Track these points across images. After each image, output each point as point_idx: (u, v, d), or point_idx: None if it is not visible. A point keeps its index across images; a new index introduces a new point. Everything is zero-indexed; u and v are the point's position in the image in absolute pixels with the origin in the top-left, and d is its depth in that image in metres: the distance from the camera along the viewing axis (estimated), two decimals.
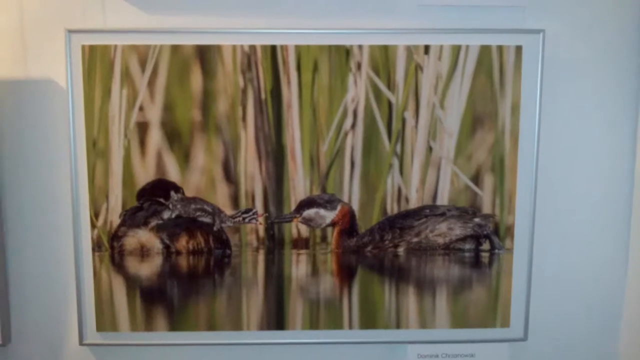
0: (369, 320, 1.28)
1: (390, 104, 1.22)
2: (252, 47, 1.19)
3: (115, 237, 1.24)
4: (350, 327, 1.28)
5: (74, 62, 1.18)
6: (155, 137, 1.21)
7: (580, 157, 1.28)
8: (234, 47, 1.19)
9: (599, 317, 1.35)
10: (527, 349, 1.33)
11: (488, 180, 1.24)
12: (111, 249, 1.25)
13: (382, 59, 1.21)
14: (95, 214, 1.23)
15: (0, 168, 1.24)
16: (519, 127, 1.22)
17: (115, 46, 1.18)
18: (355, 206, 1.25)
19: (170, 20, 1.21)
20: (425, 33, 1.21)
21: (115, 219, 1.24)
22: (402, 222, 1.25)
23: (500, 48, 1.20)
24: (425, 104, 1.22)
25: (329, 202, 1.24)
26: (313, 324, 1.27)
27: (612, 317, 1.34)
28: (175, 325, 1.27)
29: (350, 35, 1.20)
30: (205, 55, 1.19)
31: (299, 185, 1.24)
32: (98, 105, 1.20)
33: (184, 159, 1.22)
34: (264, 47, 1.19)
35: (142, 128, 1.21)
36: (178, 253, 1.26)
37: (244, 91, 1.21)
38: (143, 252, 1.25)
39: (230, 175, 1.23)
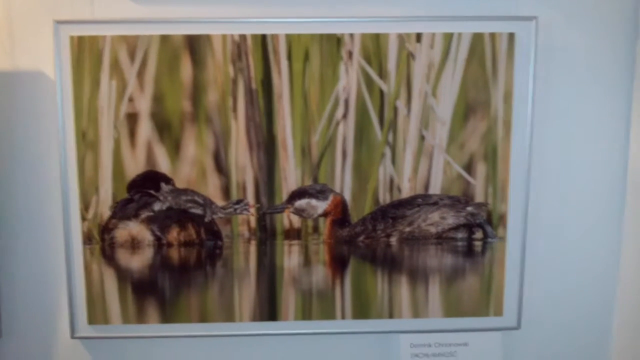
0: (362, 310, 1.27)
1: (382, 93, 1.21)
2: (242, 37, 1.18)
3: (106, 229, 1.23)
4: (343, 317, 1.27)
5: (62, 53, 1.17)
6: (145, 128, 1.20)
7: (573, 145, 1.28)
8: (224, 37, 1.18)
9: (592, 305, 1.34)
10: (520, 338, 1.33)
11: (481, 169, 1.24)
12: (102, 241, 1.24)
13: (374, 47, 1.20)
14: (85, 207, 1.22)
15: None
16: (512, 115, 1.22)
17: (104, 37, 1.17)
18: (347, 196, 1.24)
19: (159, 10, 1.19)
20: (417, 21, 1.20)
21: (106, 212, 1.23)
22: (394, 211, 1.25)
23: (492, 35, 1.19)
24: (417, 92, 1.21)
25: (321, 193, 1.24)
26: (305, 314, 1.27)
27: (604, 305, 1.34)
28: (167, 317, 1.26)
29: (341, 23, 1.19)
30: (195, 45, 1.18)
31: (291, 176, 1.23)
32: (87, 96, 1.19)
33: (175, 150, 1.21)
34: (254, 37, 1.18)
35: (132, 119, 1.20)
36: (169, 245, 1.25)
37: (235, 81, 1.20)
38: (134, 245, 1.24)
39: (221, 166, 1.22)
